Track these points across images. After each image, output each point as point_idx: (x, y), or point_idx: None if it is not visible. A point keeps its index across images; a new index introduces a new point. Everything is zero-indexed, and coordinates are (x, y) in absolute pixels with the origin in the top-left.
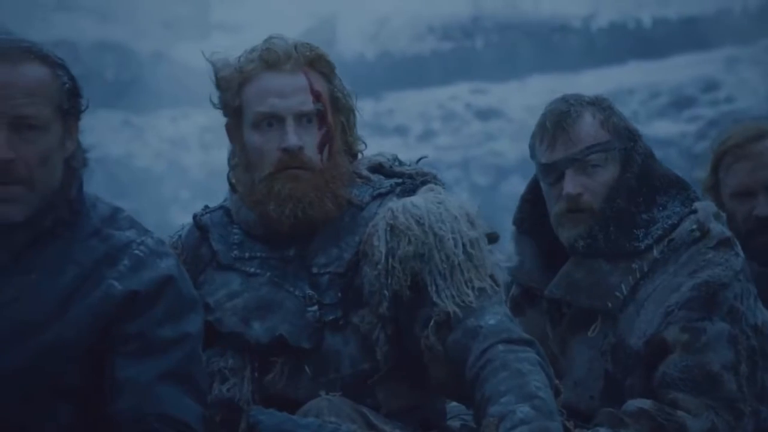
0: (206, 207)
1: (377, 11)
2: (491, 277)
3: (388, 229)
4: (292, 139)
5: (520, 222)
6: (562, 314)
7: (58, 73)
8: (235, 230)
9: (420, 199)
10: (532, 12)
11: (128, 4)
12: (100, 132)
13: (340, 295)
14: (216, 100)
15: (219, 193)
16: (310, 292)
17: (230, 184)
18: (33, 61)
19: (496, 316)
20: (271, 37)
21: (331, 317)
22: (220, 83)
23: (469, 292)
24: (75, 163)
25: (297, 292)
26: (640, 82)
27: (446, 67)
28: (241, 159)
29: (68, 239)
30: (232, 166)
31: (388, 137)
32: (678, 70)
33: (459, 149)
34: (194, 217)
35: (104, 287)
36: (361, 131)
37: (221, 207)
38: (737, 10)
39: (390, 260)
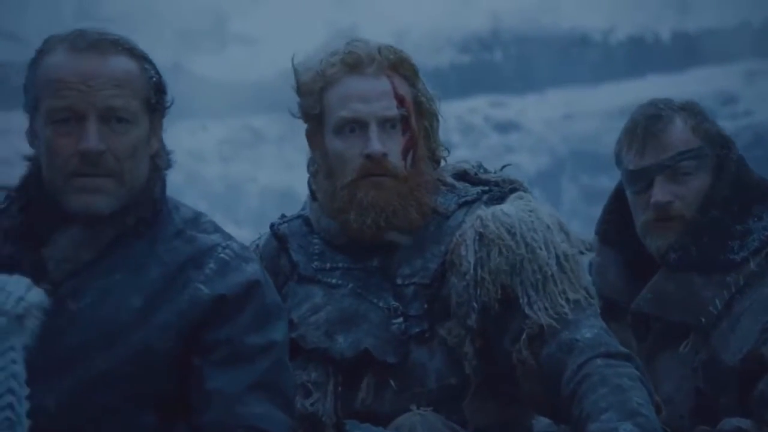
0: (283, 216)
1: (396, 23)
2: (585, 288)
3: (477, 238)
4: (376, 145)
5: (603, 232)
6: (648, 329)
7: (145, 67)
8: (315, 240)
9: (510, 207)
10: (551, 25)
11: (146, 16)
12: None
13: (425, 306)
14: (296, 106)
15: (237, 206)
16: (394, 303)
17: (310, 191)
18: (121, 53)
19: (592, 329)
20: (353, 40)
21: (416, 330)
22: (301, 88)
23: (564, 304)
24: (160, 162)
25: (381, 304)
26: (658, 95)
27: (465, 80)
28: (322, 166)
29: (151, 240)
30: (311, 173)
31: None
32: (696, 83)
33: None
34: (272, 226)
35: (191, 291)
36: None
37: (299, 216)
38: (756, 23)
39: (479, 271)
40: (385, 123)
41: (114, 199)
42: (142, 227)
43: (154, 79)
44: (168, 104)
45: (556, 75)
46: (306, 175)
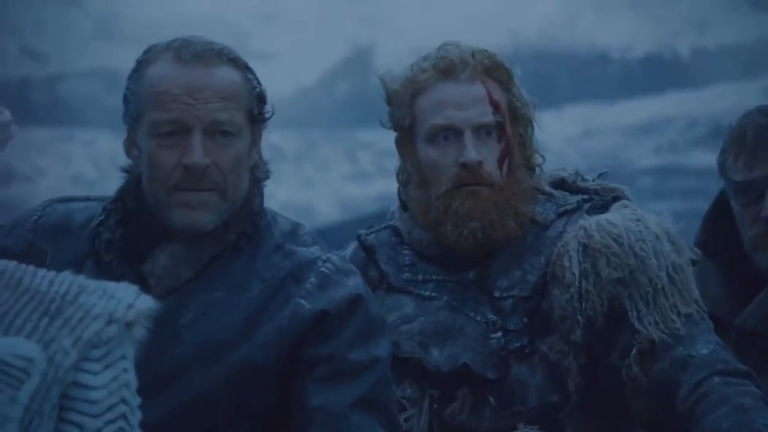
0: (370, 226)
1: (415, 41)
2: (696, 301)
3: (581, 248)
4: (471, 153)
5: (703, 245)
6: (753, 346)
7: (248, 77)
8: (406, 251)
9: (616, 216)
10: (570, 42)
11: (166, 33)
12: None
13: (525, 320)
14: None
15: None
16: (492, 317)
17: (400, 201)
18: (225, 63)
19: (708, 344)
20: (444, 44)
21: (516, 345)
22: (392, 97)
23: (675, 318)
24: (259, 174)
25: (478, 318)
26: (677, 112)
27: None
28: (414, 175)
29: (251, 255)
30: (401, 183)
31: None
32: (716, 99)
33: None
34: (359, 237)
35: (292, 306)
36: None
37: (388, 226)
38: None
39: (584, 283)
40: (480, 130)
41: (217, 214)
42: (243, 243)
43: (257, 89)
44: (269, 115)
45: (574, 92)
46: (323, 192)
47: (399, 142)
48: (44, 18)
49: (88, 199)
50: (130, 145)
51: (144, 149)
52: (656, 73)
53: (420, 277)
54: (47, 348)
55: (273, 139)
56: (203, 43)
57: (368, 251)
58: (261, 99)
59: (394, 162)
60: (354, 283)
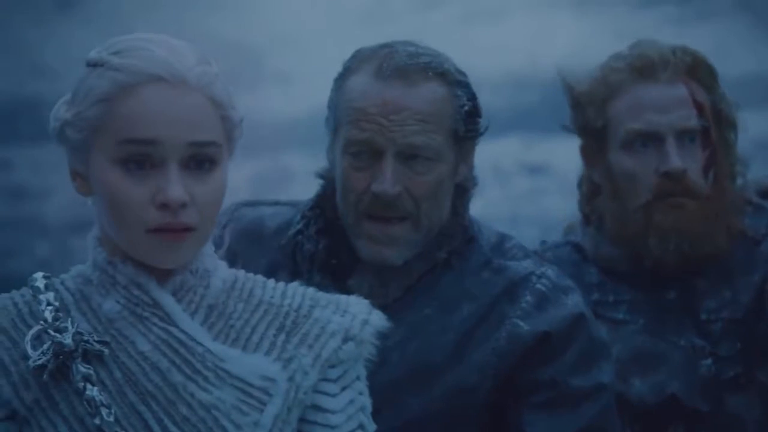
0: (543, 242)
1: None
2: None
3: None
4: (675, 160)
5: None
6: None
7: (457, 94)
8: (591, 269)
9: None
10: (582, 68)
11: None
12: None
13: (738, 346)
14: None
15: None
16: (699, 342)
17: (583, 215)
18: (431, 79)
19: None
20: (639, 41)
21: (730, 373)
22: (579, 99)
23: None
24: (467, 185)
25: (683, 343)
26: None
27: (497, 120)
28: (605, 185)
29: (460, 271)
30: (585, 194)
31: None
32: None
33: (507, 202)
34: (534, 254)
35: (508, 327)
36: None
37: (567, 243)
38: None
39: None
40: (684, 135)
41: (407, 248)
42: (453, 258)
43: (466, 107)
44: (482, 130)
45: None
46: None
47: (585, 149)
48: (55, 36)
49: (276, 203)
50: (331, 154)
51: (339, 165)
52: None
53: (611, 297)
54: (287, 367)
55: (285, 159)
56: (409, 55)
57: None
58: (471, 115)
59: None
60: (574, 301)
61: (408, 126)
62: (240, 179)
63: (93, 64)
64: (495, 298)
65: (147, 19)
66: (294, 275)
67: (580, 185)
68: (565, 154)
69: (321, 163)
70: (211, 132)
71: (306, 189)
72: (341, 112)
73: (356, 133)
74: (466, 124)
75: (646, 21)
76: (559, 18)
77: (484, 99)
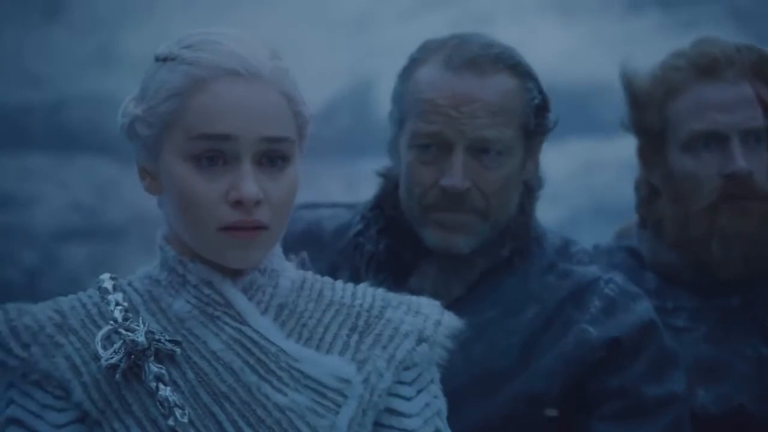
0: (596, 246)
1: None
2: None
3: None
4: (740, 162)
5: None
6: None
7: (527, 86)
8: (649, 275)
9: None
10: (572, 74)
11: None
12: None
13: None
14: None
15: None
16: (767, 351)
17: (639, 218)
18: (502, 71)
19: None
20: (702, 39)
21: None
22: (638, 98)
23: None
24: (534, 184)
25: (749, 352)
26: None
27: None
28: (665, 188)
29: (524, 273)
30: (642, 197)
31: None
32: None
33: None
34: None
35: (576, 332)
36: None
37: (621, 247)
38: None
39: None
40: (749, 136)
41: (475, 237)
42: (517, 259)
43: (536, 100)
44: (551, 125)
45: (575, 125)
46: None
47: (643, 151)
48: (44, 43)
49: (334, 205)
50: (393, 148)
51: (404, 158)
52: None
53: (669, 305)
54: (361, 368)
55: None
56: (480, 46)
57: None
58: (540, 110)
59: None
60: (643, 307)
61: (479, 119)
62: None
63: (163, 59)
64: (561, 302)
65: (134, 28)
66: (354, 277)
67: (637, 188)
68: (552, 160)
69: (308, 167)
70: (285, 127)
71: (300, 194)
72: (408, 105)
73: (424, 126)
74: (536, 118)
75: (632, 28)
76: (545, 25)
77: None
